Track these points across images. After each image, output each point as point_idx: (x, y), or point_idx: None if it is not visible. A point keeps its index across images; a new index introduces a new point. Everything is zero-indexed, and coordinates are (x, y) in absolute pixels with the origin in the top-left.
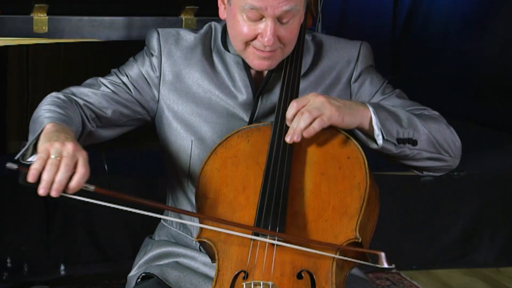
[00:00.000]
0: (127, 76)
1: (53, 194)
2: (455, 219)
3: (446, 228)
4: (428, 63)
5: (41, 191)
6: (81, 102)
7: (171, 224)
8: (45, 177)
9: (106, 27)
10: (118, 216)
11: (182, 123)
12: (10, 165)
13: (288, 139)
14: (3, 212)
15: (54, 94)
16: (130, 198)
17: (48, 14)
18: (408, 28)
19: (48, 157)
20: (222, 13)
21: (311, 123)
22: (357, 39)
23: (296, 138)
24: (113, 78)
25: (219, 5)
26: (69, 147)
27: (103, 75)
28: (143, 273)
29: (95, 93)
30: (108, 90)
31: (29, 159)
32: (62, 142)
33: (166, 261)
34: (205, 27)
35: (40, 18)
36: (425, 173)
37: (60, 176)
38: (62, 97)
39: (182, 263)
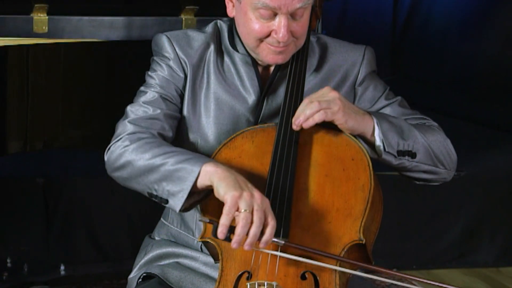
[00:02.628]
0: (160, 87)
1: (246, 248)
2: (455, 219)
3: (446, 228)
4: (428, 63)
5: (235, 245)
6: (155, 133)
7: (172, 223)
8: (239, 231)
9: (106, 27)
10: (118, 216)
11: (190, 122)
12: (203, 218)
13: (294, 125)
14: (3, 212)
15: (129, 139)
16: (321, 253)
17: (48, 14)
18: (408, 28)
19: (237, 209)
20: (231, 11)
21: (315, 113)
22: (357, 39)
23: (297, 123)
24: (151, 95)
25: (226, 3)
26: (257, 197)
27: (102, 75)
28: (144, 273)
29: (154, 118)
30: (160, 110)
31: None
32: (250, 192)
33: (166, 261)
34: (211, 25)
35: (40, 18)
36: (421, 182)
37: (255, 231)
38: (144, 136)
39: (183, 263)
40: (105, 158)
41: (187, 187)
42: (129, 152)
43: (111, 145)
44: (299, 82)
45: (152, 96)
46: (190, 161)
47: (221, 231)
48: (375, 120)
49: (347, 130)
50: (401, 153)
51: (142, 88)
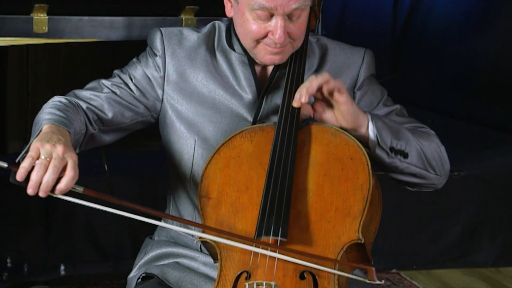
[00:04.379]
0: (130, 77)
1: (41, 194)
2: (455, 219)
3: (446, 228)
4: (428, 63)
5: (29, 190)
6: (84, 105)
7: (171, 224)
8: (33, 177)
9: (106, 27)
10: (118, 217)
11: (186, 122)
12: (0, 163)
13: (298, 96)
14: (3, 212)
15: (56, 98)
16: (119, 201)
17: (48, 14)
18: (408, 28)
19: (37, 156)
20: (229, 11)
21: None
22: (357, 39)
23: (311, 90)
24: (116, 79)
25: (225, 3)
26: (59, 149)
27: (103, 75)
28: (144, 273)
29: (97, 96)
30: (111, 92)
31: None
32: (53, 143)
33: (166, 261)
34: (208, 26)
35: (40, 18)
36: (414, 188)
37: (48, 177)
38: (64, 100)
39: (183, 263)
40: None
41: (29, 143)
42: (42, 110)
43: None
44: (298, 81)
45: (116, 81)
46: (47, 120)
47: (19, 174)
48: (369, 116)
49: (348, 115)
50: (393, 151)
51: (116, 71)
